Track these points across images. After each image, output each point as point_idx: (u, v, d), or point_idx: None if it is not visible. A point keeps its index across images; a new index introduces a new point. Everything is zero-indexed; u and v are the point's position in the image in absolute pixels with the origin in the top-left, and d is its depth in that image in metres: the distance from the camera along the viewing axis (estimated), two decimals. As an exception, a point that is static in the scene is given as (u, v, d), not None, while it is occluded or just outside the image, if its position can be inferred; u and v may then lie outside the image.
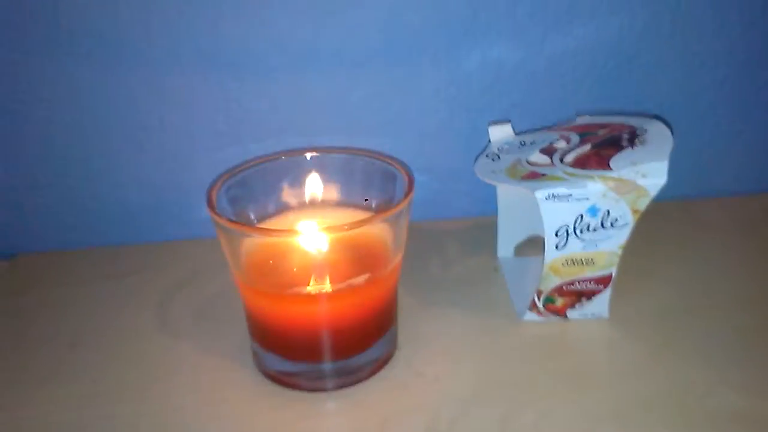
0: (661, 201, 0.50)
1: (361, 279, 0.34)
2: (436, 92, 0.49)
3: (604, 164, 0.36)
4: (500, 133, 0.44)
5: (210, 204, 0.34)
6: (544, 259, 0.38)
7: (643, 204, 0.36)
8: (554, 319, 0.40)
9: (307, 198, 0.39)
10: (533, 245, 0.46)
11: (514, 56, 0.48)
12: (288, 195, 0.40)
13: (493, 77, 0.48)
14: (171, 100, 0.47)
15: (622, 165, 0.36)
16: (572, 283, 0.39)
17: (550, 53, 0.48)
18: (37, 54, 0.44)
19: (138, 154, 0.49)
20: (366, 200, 0.35)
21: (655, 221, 0.50)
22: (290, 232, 0.37)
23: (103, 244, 0.51)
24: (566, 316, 0.40)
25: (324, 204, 0.40)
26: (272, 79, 0.47)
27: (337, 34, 0.46)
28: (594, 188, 0.35)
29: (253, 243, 0.35)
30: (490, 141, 0.44)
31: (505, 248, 0.48)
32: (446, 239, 0.51)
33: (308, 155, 0.40)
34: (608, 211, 0.36)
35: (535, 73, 0.49)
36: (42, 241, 0.51)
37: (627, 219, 0.36)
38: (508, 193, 0.45)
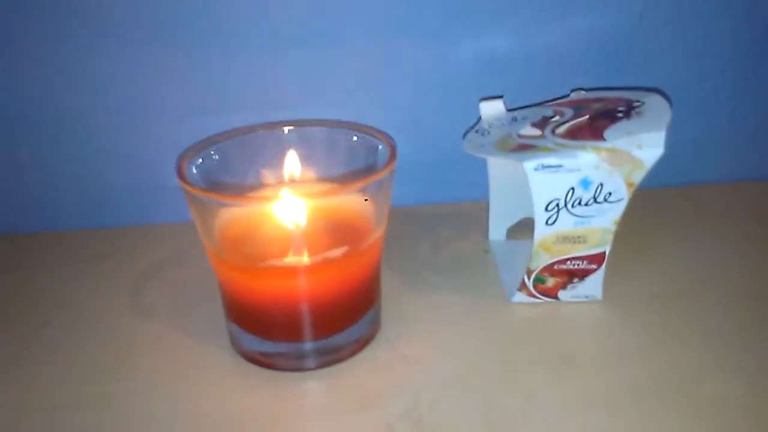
0: (660, 187, 0.49)
1: (339, 251, 0.32)
2: (428, 75, 0.47)
3: (598, 135, 0.34)
4: (491, 110, 0.42)
5: (180, 173, 0.32)
6: (534, 236, 0.36)
7: (638, 177, 0.34)
8: (545, 300, 0.39)
9: (285, 172, 0.38)
10: (526, 228, 0.45)
11: (510, 39, 0.46)
12: (266, 169, 0.38)
13: (488, 60, 0.47)
14: (153, 78, 0.45)
15: (617, 135, 0.34)
16: (564, 262, 0.37)
17: (546, 36, 0.46)
18: (20, 33, 0.43)
19: (118, 135, 0.47)
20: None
21: (654, 206, 0.48)
22: (264, 199, 0.35)
23: (84, 227, 0.50)
24: (558, 298, 0.39)
25: (304, 179, 0.38)
26: (259, 54, 0.45)
27: (331, 9, 0.44)
28: (586, 159, 0.34)
29: (226, 215, 0.33)
30: (480, 117, 0.42)
31: (496, 231, 0.46)
32: (436, 223, 0.49)
33: (287, 128, 0.38)
34: (601, 185, 0.34)
35: (530, 57, 0.47)
36: (21, 224, 0.50)
37: (621, 193, 0.34)
38: (500, 174, 0.43)
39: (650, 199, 0.46)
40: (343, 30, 0.45)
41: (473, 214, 0.48)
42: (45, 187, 0.49)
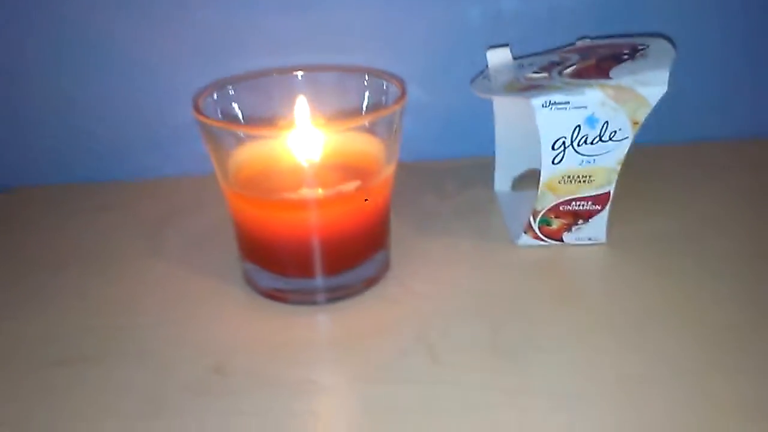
0: (667, 144, 0.50)
1: (351, 186, 0.33)
2: (434, 32, 0.48)
3: (604, 74, 0.35)
4: (498, 58, 0.43)
5: (196, 107, 0.33)
6: (540, 177, 0.37)
7: (642, 115, 0.35)
8: (550, 243, 0.40)
9: (298, 113, 0.38)
10: (530, 180, 0.45)
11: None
12: (279, 112, 0.39)
13: (494, 16, 0.47)
14: (162, 34, 0.46)
15: (622, 74, 0.35)
16: (569, 203, 0.38)
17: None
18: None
19: (131, 92, 0.48)
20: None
21: (660, 161, 0.49)
22: (278, 129, 0.36)
23: (99, 180, 0.51)
24: (562, 240, 0.39)
25: (317, 121, 0.39)
26: (268, 5, 0.46)
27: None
28: (592, 96, 0.34)
29: (242, 151, 0.34)
30: (487, 66, 0.43)
31: (501, 182, 0.47)
32: (443, 176, 0.50)
33: (299, 73, 0.39)
34: (607, 123, 0.35)
35: (536, 12, 0.48)
36: (40, 176, 0.51)
37: (626, 131, 0.35)
38: (505, 125, 0.44)
39: (657, 155, 0.48)
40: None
41: (478, 167, 0.49)
42: (60, 141, 0.50)
